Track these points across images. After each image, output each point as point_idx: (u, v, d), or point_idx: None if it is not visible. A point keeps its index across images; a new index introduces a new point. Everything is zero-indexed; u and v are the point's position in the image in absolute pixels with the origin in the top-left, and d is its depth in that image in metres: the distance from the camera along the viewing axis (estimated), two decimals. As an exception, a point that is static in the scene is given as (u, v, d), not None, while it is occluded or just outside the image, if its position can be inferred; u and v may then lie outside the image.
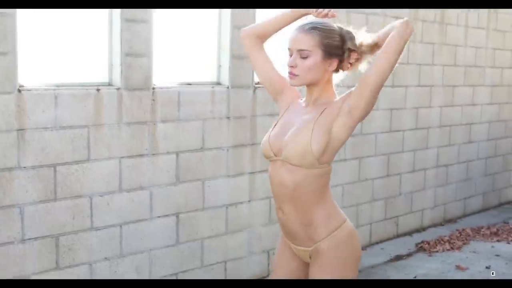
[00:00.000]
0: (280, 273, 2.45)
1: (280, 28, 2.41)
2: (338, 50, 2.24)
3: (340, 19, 5.06)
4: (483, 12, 6.73)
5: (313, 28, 2.21)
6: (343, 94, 2.27)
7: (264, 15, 4.27)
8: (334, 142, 2.19)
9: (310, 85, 2.27)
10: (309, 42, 2.20)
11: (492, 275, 4.87)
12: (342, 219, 2.30)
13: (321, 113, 2.22)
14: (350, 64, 2.29)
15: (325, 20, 2.25)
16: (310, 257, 2.31)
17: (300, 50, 2.21)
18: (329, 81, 2.30)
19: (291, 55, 2.25)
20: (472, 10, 6.53)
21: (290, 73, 2.24)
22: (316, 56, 2.21)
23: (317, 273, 2.26)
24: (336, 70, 2.29)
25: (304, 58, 2.21)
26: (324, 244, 2.26)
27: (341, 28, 2.28)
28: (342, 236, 2.27)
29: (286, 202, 2.28)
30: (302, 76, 2.23)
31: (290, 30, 2.28)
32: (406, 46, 2.18)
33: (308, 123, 2.22)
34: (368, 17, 5.28)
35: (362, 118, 2.21)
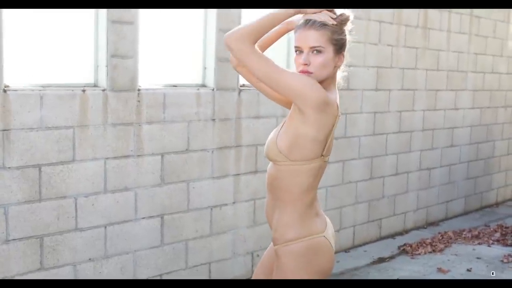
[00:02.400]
0: (259, 266, 2.51)
1: (274, 38, 2.40)
2: (345, 44, 2.25)
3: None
4: (465, 17, 6.87)
5: (323, 24, 2.18)
6: None
7: (249, 18, 4.33)
8: (300, 139, 2.17)
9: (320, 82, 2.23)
10: (321, 38, 2.17)
11: (492, 275, 4.97)
12: (307, 233, 2.24)
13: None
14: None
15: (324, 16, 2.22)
16: None
17: (312, 47, 2.18)
18: (334, 78, 2.29)
19: (299, 53, 2.20)
20: (454, 14, 6.66)
21: (303, 71, 2.18)
22: (329, 52, 2.19)
23: (274, 275, 2.29)
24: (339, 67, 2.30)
25: (317, 54, 2.18)
26: (280, 251, 2.26)
27: (343, 20, 2.24)
28: (300, 249, 2.23)
29: (268, 192, 2.35)
30: (316, 73, 2.19)
31: (296, 28, 2.23)
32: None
33: (283, 120, 2.27)
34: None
35: (299, 105, 2.15)
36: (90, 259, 3.77)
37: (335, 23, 2.20)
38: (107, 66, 3.74)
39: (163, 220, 4.14)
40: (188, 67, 4.36)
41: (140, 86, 3.93)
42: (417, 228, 6.51)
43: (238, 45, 2.09)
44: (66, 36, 3.69)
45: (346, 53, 2.28)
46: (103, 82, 3.77)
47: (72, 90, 3.61)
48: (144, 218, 4.03)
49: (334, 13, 2.22)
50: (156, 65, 4.16)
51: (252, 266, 4.74)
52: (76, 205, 3.67)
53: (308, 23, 2.19)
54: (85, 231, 3.73)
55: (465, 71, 7.01)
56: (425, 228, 6.56)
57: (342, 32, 2.23)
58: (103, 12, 3.72)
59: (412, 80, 6.23)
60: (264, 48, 2.40)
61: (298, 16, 2.25)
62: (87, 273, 3.76)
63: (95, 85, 3.79)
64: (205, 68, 4.37)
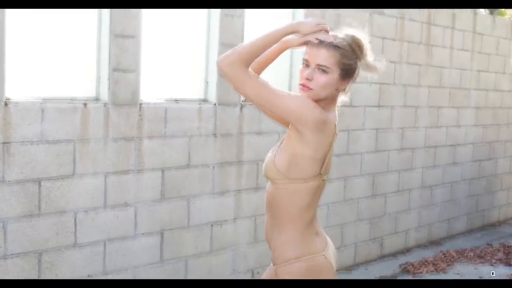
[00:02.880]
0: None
1: (271, 58, 2.37)
2: (353, 72, 2.23)
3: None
4: (468, 34, 6.89)
5: (336, 46, 2.17)
6: None
7: (252, 32, 4.36)
8: (298, 158, 2.17)
9: (316, 102, 2.23)
10: (330, 59, 2.16)
11: (492, 275, 4.95)
12: (306, 252, 2.24)
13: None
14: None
15: (340, 35, 2.21)
16: None
17: (319, 65, 2.16)
18: (334, 100, 2.27)
19: (305, 66, 2.19)
20: (456, 31, 6.69)
21: (304, 85, 2.18)
22: (334, 74, 2.17)
23: None
24: (344, 91, 2.27)
25: (322, 73, 2.17)
26: (279, 270, 2.25)
27: (359, 48, 2.22)
28: (299, 269, 2.22)
29: (267, 211, 2.34)
30: (316, 92, 2.18)
31: (310, 41, 2.20)
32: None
33: (281, 139, 2.28)
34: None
35: (296, 126, 2.16)
36: (88, 275, 3.74)
37: (339, 44, 2.17)
38: (109, 79, 3.75)
39: (162, 237, 4.12)
40: (190, 82, 4.37)
41: (141, 100, 3.93)
42: (419, 246, 6.48)
43: (232, 71, 2.08)
44: (68, 49, 3.69)
45: (352, 80, 2.25)
46: (104, 96, 3.77)
47: (74, 104, 3.61)
48: (143, 234, 4.01)
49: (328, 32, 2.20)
50: (158, 79, 4.16)
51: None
52: (75, 220, 3.66)
53: (321, 40, 2.18)
54: (84, 246, 3.71)
55: (467, 88, 7.03)
56: (427, 246, 6.53)
57: (353, 57, 2.20)
58: (105, 25, 3.73)
59: (415, 97, 6.24)
60: (261, 69, 2.38)
61: (293, 35, 2.23)
62: (85, 289, 3.73)
63: (96, 99, 3.79)
64: (207, 82, 4.37)
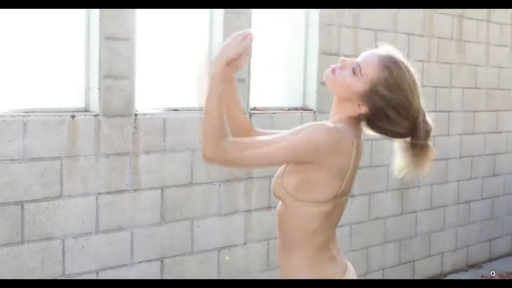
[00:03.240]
0: None
1: (232, 101, 2.32)
2: (376, 103, 2.13)
3: (347, 36, 5.16)
4: (506, 27, 6.86)
5: (387, 66, 2.13)
6: None
7: (261, 34, 4.35)
8: (310, 182, 2.14)
9: (335, 104, 2.21)
10: (369, 70, 2.12)
11: (492, 275, 4.92)
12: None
13: None
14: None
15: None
16: None
17: (356, 66, 2.13)
18: (353, 119, 2.18)
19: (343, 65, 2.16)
20: (492, 25, 6.65)
21: (333, 68, 2.16)
22: (358, 84, 2.13)
23: None
24: (367, 124, 2.20)
25: (352, 73, 2.13)
26: None
27: (411, 87, 2.17)
28: None
29: (279, 232, 2.32)
30: (336, 80, 2.15)
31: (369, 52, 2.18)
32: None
33: None
34: (377, 34, 5.38)
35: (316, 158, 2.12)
36: (79, 310, 3.73)
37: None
38: (99, 88, 3.75)
39: (163, 264, 4.10)
40: (191, 89, 4.37)
41: (137, 111, 3.93)
42: (457, 271, 6.42)
43: (219, 157, 2.04)
44: (53, 55, 3.70)
45: (365, 120, 2.18)
46: (95, 106, 3.77)
47: (60, 116, 3.61)
48: (141, 262, 3.99)
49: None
50: (155, 87, 4.16)
51: None
52: (63, 248, 3.65)
53: (379, 55, 2.15)
54: (74, 277, 3.70)
55: (507, 88, 6.99)
56: (466, 270, 6.48)
57: (388, 89, 2.12)
58: (95, 26, 3.74)
59: (447, 100, 6.20)
60: (241, 120, 2.35)
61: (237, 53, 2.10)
62: (76, 326, 3.71)
63: (85, 110, 3.79)
64: (210, 89, 4.36)
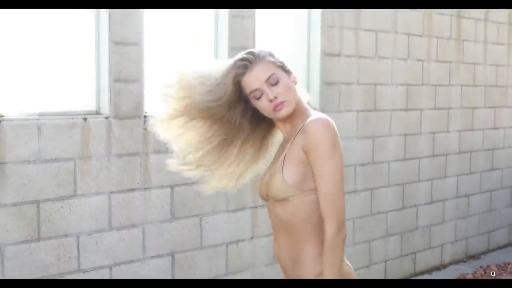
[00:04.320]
0: None
1: None
2: (285, 67, 2.31)
3: (349, 37, 5.13)
4: (503, 26, 6.84)
5: (257, 55, 2.24)
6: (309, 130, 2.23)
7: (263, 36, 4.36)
8: (311, 172, 2.21)
9: (297, 112, 2.29)
10: (270, 67, 2.23)
11: (492, 275, 4.91)
12: None
13: (292, 141, 2.25)
14: None
15: None
16: None
17: (268, 79, 2.21)
18: (300, 99, 2.32)
19: (259, 96, 2.22)
20: (490, 23, 6.63)
21: (277, 104, 2.21)
22: (282, 75, 2.26)
23: None
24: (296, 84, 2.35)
25: (276, 84, 2.22)
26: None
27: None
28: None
29: (281, 232, 2.33)
30: (289, 100, 2.23)
31: (238, 77, 2.23)
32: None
33: (282, 156, 2.28)
34: (378, 35, 5.37)
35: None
36: (94, 304, 3.76)
37: None
38: (110, 91, 3.77)
39: (174, 259, 4.12)
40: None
41: (146, 112, 3.95)
42: (456, 262, 6.41)
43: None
44: (64, 60, 3.72)
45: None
46: (105, 109, 3.79)
47: (72, 119, 3.63)
48: (153, 257, 4.01)
49: None
50: (164, 89, 4.17)
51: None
52: (78, 244, 3.67)
53: (245, 64, 2.22)
54: (88, 272, 3.73)
55: (505, 85, 6.97)
56: (465, 261, 6.46)
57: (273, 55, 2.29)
58: (104, 31, 3.76)
59: (446, 98, 6.19)
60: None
61: None
62: (91, 319, 3.74)
63: (97, 113, 3.81)
64: (217, 90, 4.37)
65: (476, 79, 6.56)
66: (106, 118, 3.77)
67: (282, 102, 2.21)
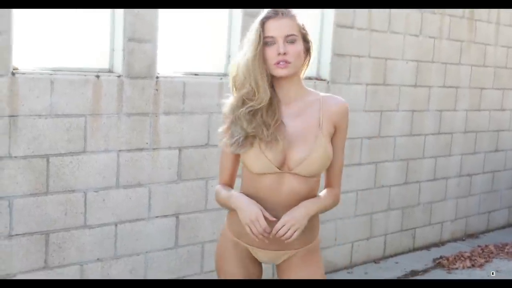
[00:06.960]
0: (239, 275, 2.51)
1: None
2: (306, 37, 2.34)
3: (362, 10, 5.03)
4: (517, 9, 6.77)
5: (289, 11, 2.27)
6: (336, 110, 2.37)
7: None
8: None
9: (291, 77, 2.30)
10: (294, 27, 2.26)
11: (492, 275, 4.94)
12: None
13: (320, 117, 2.31)
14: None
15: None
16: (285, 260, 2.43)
17: (288, 36, 2.24)
18: (301, 71, 2.39)
19: (271, 44, 2.23)
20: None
21: (282, 61, 2.22)
22: (300, 41, 2.29)
23: (314, 273, 2.40)
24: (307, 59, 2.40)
25: (292, 43, 2.25)
26: (313, 246, 2.43)
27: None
28: (318, 241, 2.51)
29: (285, 207, 2.32)
30: (294, 63, 2.26)
31: (264, 19, 2.26)
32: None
33: (314, 131, 2.30)
34: (391, 9, 5.32)
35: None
36: (98, 259, 3.79)
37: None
38: (123, 50, 3.75)
39: (178, 220, 4.14)
40: (211, 55, 4.36)
41: (158, 74, 3.94)
42: (455, 240, 6.44)
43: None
44: (80, 17, 3.70)
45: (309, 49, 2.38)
46: (118, 67, 3.78)
47: (85, 76, 3.63)
48: (158, 217, 4.04)
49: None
50: (176, 51, 4.16)
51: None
52: (85, 200, 3.69)
53: (276, 11, 2.25)
54: (94, 228, 3.75)
55: (514, 68, 6.92)
56: (464, 240, 6.49)
57: (302, 22, 2.32)
58: (121, -9, 3.73)
59: (455, 77, 6.16)
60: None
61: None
62: (94, 274, 3.78)
63: (110, 71, 3.80)
64: (229, 56, 4.36)
65: (486, 59, 6.51)
66: (119, 76, 3.76)
67: (287, 62, 2.23)
